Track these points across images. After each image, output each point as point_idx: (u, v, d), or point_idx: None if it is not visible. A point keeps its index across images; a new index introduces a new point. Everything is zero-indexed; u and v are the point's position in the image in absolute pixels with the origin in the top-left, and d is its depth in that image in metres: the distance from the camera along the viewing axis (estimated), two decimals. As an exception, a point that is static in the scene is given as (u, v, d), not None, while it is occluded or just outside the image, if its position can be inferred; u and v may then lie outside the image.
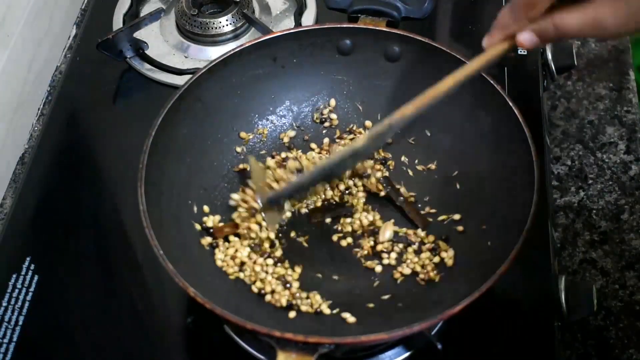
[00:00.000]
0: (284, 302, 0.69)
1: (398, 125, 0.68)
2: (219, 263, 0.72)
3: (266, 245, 0.73)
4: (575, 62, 0.91)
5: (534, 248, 0.72)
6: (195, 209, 0.75)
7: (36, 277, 0.77)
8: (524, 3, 0.62)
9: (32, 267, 0.78)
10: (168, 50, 0.96)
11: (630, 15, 0.57)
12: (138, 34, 0.94)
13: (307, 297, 0.70)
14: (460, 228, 0.75)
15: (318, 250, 0.75)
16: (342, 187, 0.79)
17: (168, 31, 0.98)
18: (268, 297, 0.70)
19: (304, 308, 0.69)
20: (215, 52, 0.94)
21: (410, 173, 0.80)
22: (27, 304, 0.75)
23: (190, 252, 0.70)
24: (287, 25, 0.98)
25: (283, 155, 0.81)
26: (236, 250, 0.72)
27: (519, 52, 0.92)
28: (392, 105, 0.82)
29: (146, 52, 0.95)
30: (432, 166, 0.80)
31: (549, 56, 0.91)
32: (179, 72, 0.94)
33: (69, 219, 0.83)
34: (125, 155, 0.85)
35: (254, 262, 0.72)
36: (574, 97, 0.97)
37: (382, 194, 0.78)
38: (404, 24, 0.84)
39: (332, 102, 0.83)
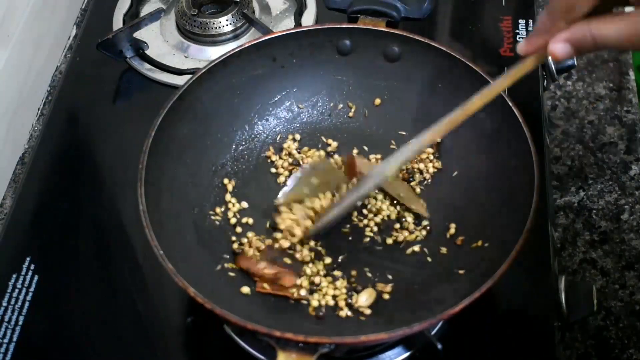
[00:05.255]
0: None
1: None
2: None
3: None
4: (575, 62, 0.91)
5: (534, 248, 0.72)
6: (195, 209, 0.75)
7: (36, 277, 0.77)
8: (562, 5, 0.57)
9: (32, 267, 0.78)
10: (168, 50, 0.96)
11: None
12: (138, 34, 0.94)
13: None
14: (460, 228, 0.75)
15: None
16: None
17: (168, 31, 0.98)
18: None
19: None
20: (215, 52, 0.94)
21: (410, 173, 0.80)
22: (27, 304, 0.75)
23: (190, 252, 0.70)
24: (287, 25, 0.98)
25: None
26: None
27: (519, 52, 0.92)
28: (392, 106, 0.83)
29: (146, 52, 0.95)
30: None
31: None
32: (179, 72, 0.94)
33: (69, 219, 0.83)
34: (125, 155, 0.85)
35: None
36: (574, 97, 0.97)
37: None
38: (404, 24, 0.84)
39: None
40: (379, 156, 0.81)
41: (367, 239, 0.76)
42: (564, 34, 0.57)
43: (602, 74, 0.99)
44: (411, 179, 0.79)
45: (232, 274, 0.72)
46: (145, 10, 1.01)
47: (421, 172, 0.80)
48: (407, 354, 0.71)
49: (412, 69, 0.80)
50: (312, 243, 0.75)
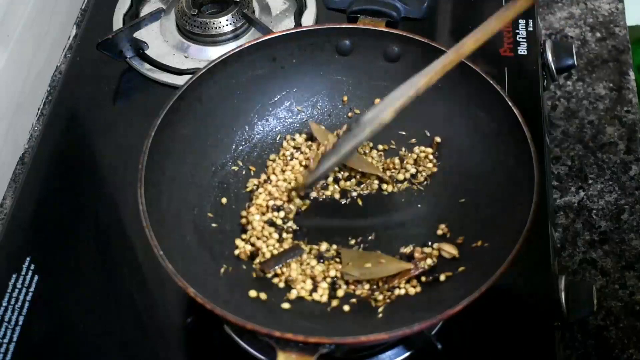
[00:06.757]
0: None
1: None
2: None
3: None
4: (575, 62, 0.91)
5: (534, 248, 0.72)
6: (195, 209, 0.75)
7: (36, 277, 0.77)
8: None
9: (32, 267, 0.78)
10: (168, 50, 0.96)
11: None
12: (138, 34, 0.94)
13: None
14: (459, 227, 0.75)
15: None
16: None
17: (168, 31, 0.98)
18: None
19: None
20: (215, 52, 0.94)
21: (410, 173, 0.80)
22: (27, 304, 0.75)
23: (190, 252, 0.70)
24: (287, 25, 0.98)
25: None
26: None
27: (519, 52, 0.92)
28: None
29: (146, 52, 0.95)
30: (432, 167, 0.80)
31: (549, 56, 0.91)
32: (179, 72, 0.94)
33: (69, 219, 0.83)
34: (125, 156, 0.85)
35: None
36: (574, 97, 0.97)
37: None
38: (404, 24, 0.84)
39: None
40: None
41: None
42: None
43: (602, 74, 0.99)
44: (412, 179, 0.79)
45: (232, 274, 0.72)
46: (145, 10, 1.01)
47: (421, 172, 0.80)
48: (407, 354, 0.71)
49: (412, 69, 0.79)
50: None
